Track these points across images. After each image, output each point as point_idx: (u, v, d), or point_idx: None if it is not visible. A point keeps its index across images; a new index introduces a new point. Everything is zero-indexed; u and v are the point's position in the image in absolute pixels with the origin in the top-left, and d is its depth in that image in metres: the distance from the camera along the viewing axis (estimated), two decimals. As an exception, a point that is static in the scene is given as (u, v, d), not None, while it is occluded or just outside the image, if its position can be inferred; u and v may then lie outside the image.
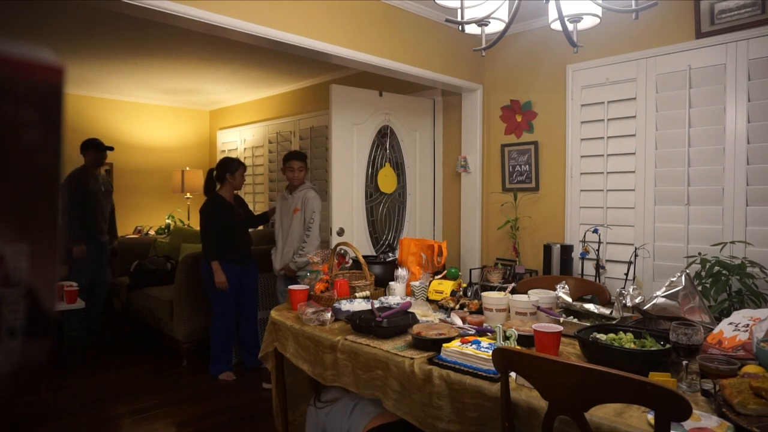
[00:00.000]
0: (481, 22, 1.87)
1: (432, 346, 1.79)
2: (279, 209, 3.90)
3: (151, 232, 6.22)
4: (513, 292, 2.28)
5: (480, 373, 1.55)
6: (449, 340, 1.77)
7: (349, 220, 3.94)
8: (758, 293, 2.60)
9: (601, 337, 1.70)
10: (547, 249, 3.42)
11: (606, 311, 2.06)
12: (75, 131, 5.48)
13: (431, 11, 3.51)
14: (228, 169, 3.84)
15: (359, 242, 3.95)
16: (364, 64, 3.29)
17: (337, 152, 3.83)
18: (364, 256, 2.68)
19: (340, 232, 3.85)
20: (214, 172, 3.89)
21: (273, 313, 2.41)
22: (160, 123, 6.75)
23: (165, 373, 3.97)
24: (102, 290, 4.69)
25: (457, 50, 3.79)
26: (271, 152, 6.04)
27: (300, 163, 3.78)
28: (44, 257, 0.43)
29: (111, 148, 4.59)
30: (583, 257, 3.38)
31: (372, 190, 4.12)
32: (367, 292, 2.52)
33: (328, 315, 2.19)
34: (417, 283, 2.62)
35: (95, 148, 4.44)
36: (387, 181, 4.18)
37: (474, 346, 1.66)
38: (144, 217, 6.50)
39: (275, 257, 3.85)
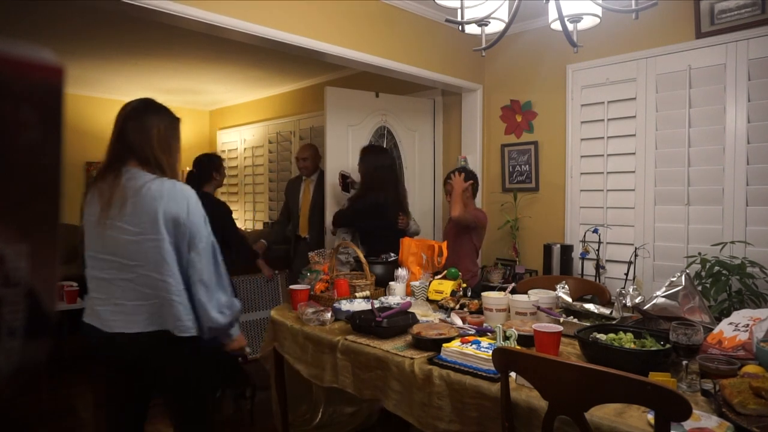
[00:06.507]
0: (481, 22, 1.87)
1: (432, 346, 1.79)
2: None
3: (151, 232, 6.20)
4: (513, 292, 2.28)
5: (480, 373, 1.55)
6: (449, 340, 1.77)
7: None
8: (758, 293, 2.60)
9: (601, 337, 1.70)
10: (547, 249, 3.42)
11: (606, 311, 2.06)
12: (75, 131, 5.48)
13: (431, 11, 3.51)
14: (214, 165, 3.52)
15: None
16: (364, 64, 3.29)
17: (332, 153, 3.83)
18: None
19: (335, 231, 3.84)
20: (194, 170, 3.53)
21: (273, 313, 2.41)
22: (160, 123, 6.73)
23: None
24: None
25: (457, 50, 3.79)
26: (271, 152, 6.03)
27: None
28: (44, 257, 0.43)
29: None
30: (583, 257, 3.38)
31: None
32: (367, 292, 2.52)
33: (328, 315, 2.19)
34: (417, 283, 2.62)
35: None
36: None
37: (474, 346, 1.66)
38: (144, 217, 6.49)
39: None
